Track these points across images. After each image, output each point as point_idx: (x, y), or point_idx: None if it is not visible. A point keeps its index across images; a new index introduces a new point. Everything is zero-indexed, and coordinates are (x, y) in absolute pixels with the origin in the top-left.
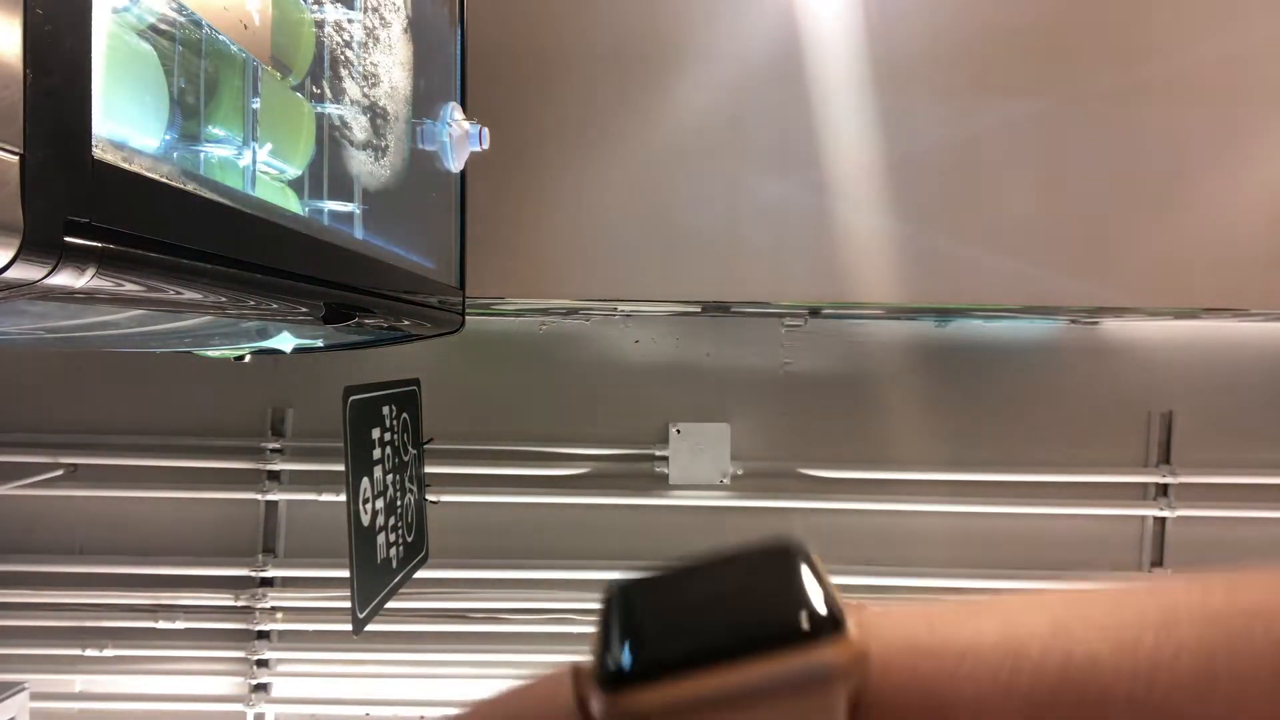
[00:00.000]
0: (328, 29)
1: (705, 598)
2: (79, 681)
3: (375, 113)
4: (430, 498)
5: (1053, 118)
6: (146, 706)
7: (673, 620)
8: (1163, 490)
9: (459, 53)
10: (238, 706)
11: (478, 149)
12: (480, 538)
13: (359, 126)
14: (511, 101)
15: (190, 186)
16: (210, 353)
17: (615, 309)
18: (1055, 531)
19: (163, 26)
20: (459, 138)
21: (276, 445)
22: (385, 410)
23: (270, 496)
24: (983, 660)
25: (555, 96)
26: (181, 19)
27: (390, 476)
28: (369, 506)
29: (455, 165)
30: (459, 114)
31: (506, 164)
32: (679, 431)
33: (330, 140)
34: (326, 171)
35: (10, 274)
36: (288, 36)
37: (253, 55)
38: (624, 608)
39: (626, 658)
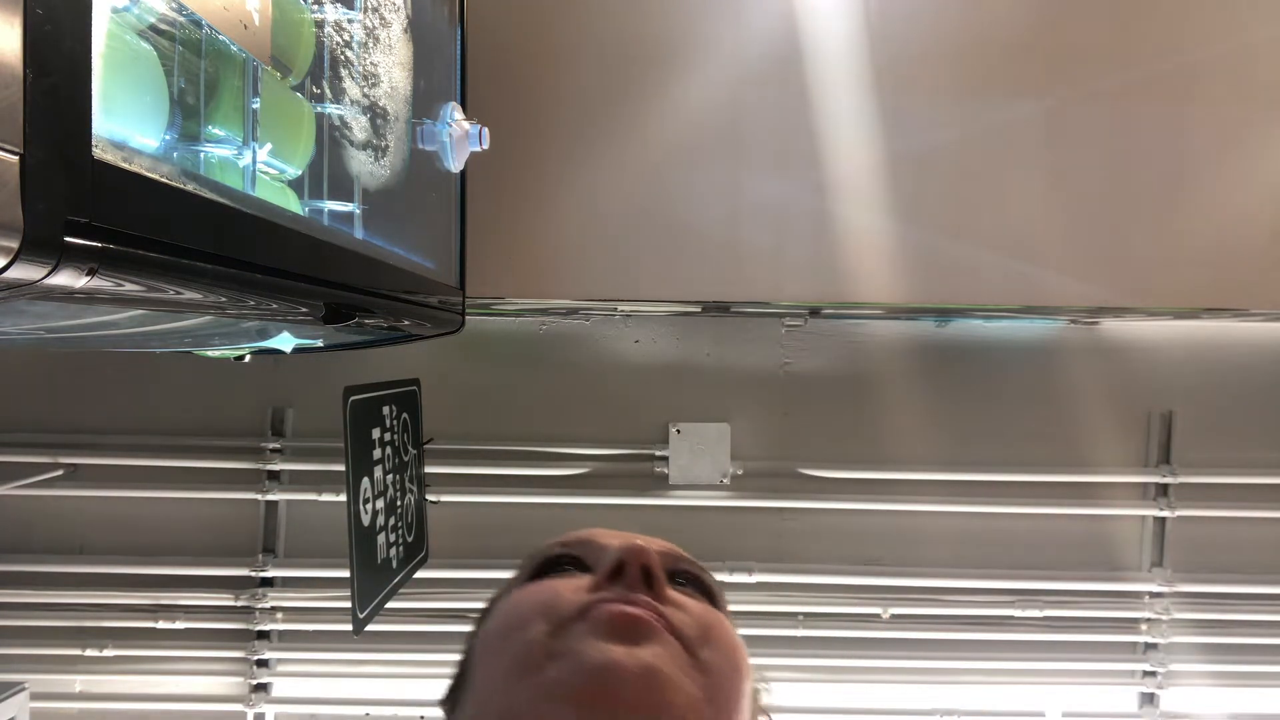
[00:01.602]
0: (328, 29)
1: None
2: (79, 681)
3: (375, 113)
4: (430, 498)
5: (1053, 118)
6: (146, 706)
7: None
8: (1163, 490)
9: (459, 53)
10: (238, 706)
11: (478, 149)
12: (480, 538)
13: (359, 126)
14: (511, 101)
15: (190, 186)
16: (210, 353)
17: (615, 309)
18: (1055, 531)
19: (163, 26)
20: (459, 138)
21: (276, 445)
22: (385, 410)
23: (270, 496)
24: None
25: (555, 96)
26: (181, 19)
27: (390, 476)
28: (369, 506)
29: (455, 165)
30: (459, 114)
31: (506, 164)
32: (679, 431)
33: (330, 140)
34: (326, 171)
35: (10, 274)
36: (288, 36)
37: (253, 55)
38: None
39: None
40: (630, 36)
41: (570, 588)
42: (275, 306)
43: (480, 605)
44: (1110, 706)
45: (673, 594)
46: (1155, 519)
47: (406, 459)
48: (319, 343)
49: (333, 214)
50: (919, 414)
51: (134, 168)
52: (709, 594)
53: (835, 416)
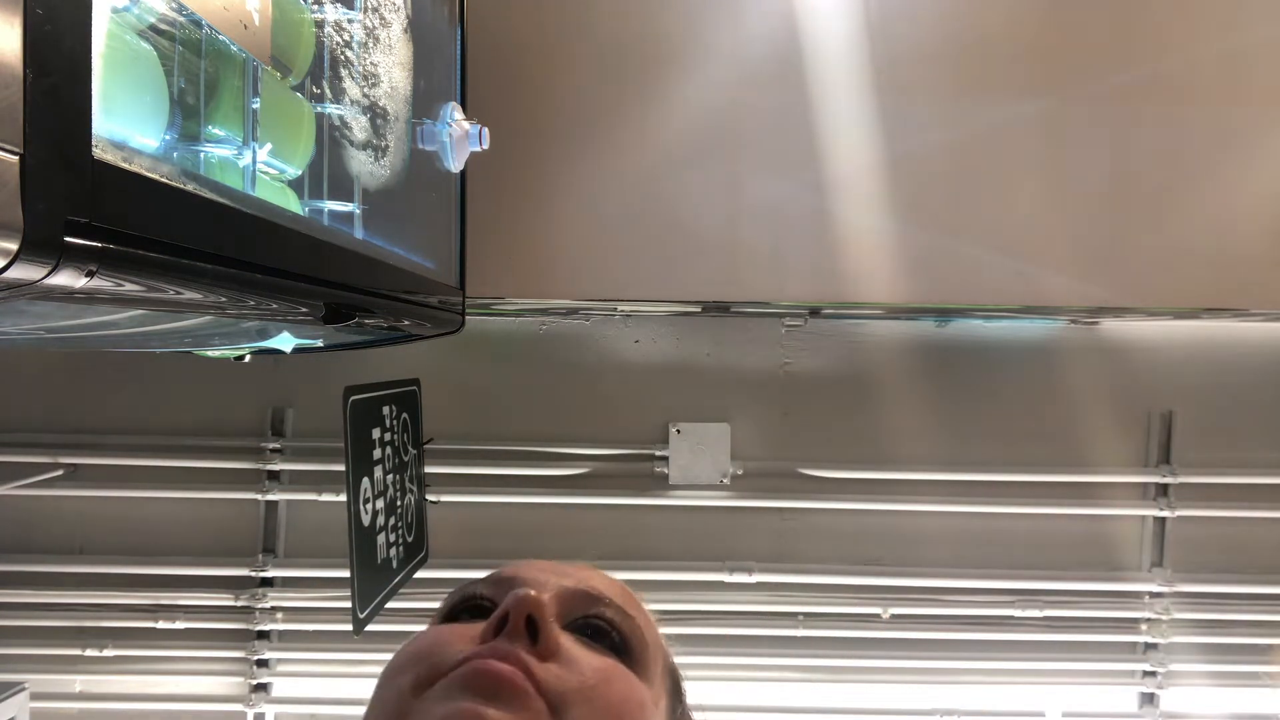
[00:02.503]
0: (328, 29)
1: None
2: (79, 681)
3: (375, 113)
4: (430, 498)
5: (1053, 118)
6: (146, 706)
7: None
8: (1163, 490)
9: (459, 53)
10: (238, 706)
11: (478, 149)
12: (480, 538)
13: (359, 126)
14: (512, 101)
15: (190, 186)
16: (210, 353)
17: (615, 309)
18: (1055, 531)
19: (163, 26)
20: (459, 138)
21: (276, 445)
22: (385, 410)
23: (270, 496)
24: None
25: (555, 96)
26: (181, 19)
27: (390, 476)
28: (369, 506)
29: (455, 165)
30: (459, 114)
31: (506, 164)
32: (679, 431)
33: (330, 140)
34: (326, 171)
35: (10, 274)
36: (288, 36)
37: (253, 55)
38: None
39: None
40: (630, 36)
41: (463, 637)
42: (275, 306)
43: None
44: (1110, 706)
45: (566, 646)
46: (1155, 519)
47: (406, 459)
48: (319, 343)
49: (333, 214)
50: (919, 414)
51: (134, 168)
52: (622, 647)
53: (835, 416)
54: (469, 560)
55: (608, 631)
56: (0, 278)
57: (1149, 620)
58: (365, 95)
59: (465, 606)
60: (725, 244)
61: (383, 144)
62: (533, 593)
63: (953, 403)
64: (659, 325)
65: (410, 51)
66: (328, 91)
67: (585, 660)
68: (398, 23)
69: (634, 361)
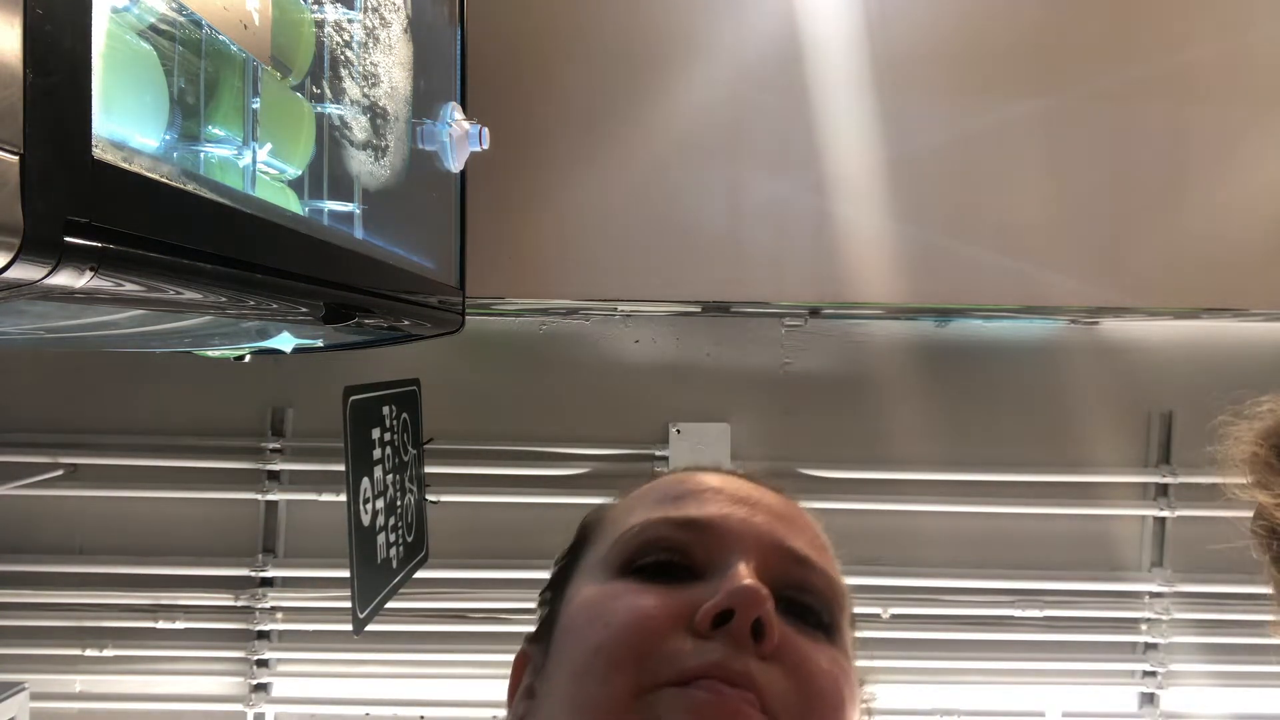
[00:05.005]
0: (328, 29)
1: None
2: (79, 681)
3: (375, 113)
4: (430, 498)
5: (1053, 118)
6: (146, 706)
7: None
8: (1163, 490)
9: (459, 52)
10: (238, 706)
11: (478, 149)
12: (480, 538)
13: (359, 126)
14: (512, 101)
15: (190, 186)
16: (210, 353)
17: (615, 309)
18: (1055, 531)
19: (163, 26)
20: (459, 138)
21: (276, 445)
22: (385, 410)
23: (270, 496)
24: None
25: (556, 96)
26: (181, 19)
27: (390, 476)
28: (369, 506)
29: (455, 165)
30: (459, 114)
31: (506, 164)
32: (679, 431)
33: (330, 140)
34: (326, 171)
35: (10, 274)
36: (288, 36)
37: (253, 55)
38: None
39: None
40: (630, 36)
41: (669, 614)
42: (275, 306)
43: (480, 605)
44: (1110, 706)
45: (786, 639)
46: (1155, 519)
47: (406, 459)
48: (319, 343)
49: (333, 214)
50: (919, 414)
51: (134, 168)
52: (829, 626)
53: (835, 416)
54: (469, 560)
55: (816, 611)
56: (0, 278)
57: (1149, 620)
58: (365, 95)
59: (653, 549)
60: (725, 244)
61: (383, 144)
62: (760, 589)
63: (953, 403)
64: (659, 325)
65: (410, 51)
66: (328, 91)
67: (802, 657)
68: (398, 23)
69: (634, 361)
